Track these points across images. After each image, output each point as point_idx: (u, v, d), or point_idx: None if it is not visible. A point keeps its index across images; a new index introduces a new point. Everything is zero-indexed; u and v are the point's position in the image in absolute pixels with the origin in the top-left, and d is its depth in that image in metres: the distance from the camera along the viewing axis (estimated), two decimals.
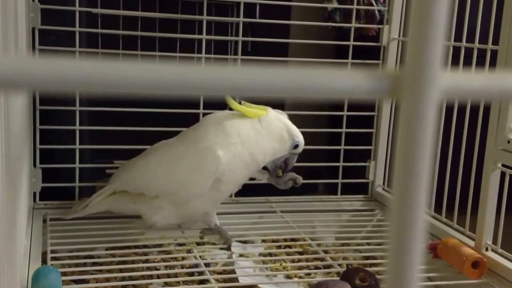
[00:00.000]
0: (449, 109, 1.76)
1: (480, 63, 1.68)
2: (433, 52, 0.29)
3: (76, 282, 1.48)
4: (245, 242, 1.83)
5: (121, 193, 1.70)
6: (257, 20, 2.25)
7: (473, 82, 0.31)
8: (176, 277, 1.57)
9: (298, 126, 1.87)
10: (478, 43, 1.70)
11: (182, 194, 1.65)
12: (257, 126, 1.66)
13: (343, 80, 0.31)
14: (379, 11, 2.11)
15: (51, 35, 1.81)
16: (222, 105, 1.75)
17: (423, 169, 0.30)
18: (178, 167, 1.64)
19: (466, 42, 1.75)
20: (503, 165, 1.58)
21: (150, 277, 1.57)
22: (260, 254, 1.76)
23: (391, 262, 0.34)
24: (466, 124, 1.73)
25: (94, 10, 2.08)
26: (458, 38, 1.75)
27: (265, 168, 1.76)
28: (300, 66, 0.31)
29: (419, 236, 0.32)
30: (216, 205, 1.75)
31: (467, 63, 1.74)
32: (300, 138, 1.71)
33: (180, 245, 1.76)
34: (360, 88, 0.30)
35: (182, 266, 1.65)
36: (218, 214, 1.77)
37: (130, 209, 1.71)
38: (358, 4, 2.10)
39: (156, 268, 1.60)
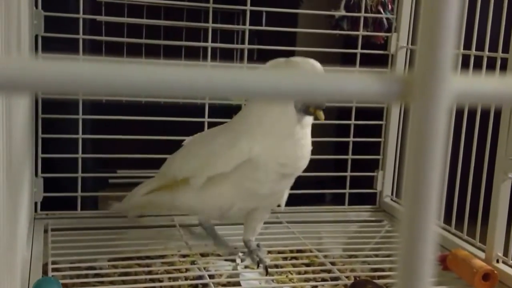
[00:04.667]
0: (459, 118, 1.75)
1: (490, 71, 1.68)
2: (444, 54, 0.29)
3: None
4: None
5: (161, 190, 1.68)
6: (264, 27, 2.25)
7: (484, 86, 0.31)
8: None
9: None
10: (488, 51, 1.69)
11: (208, 171, 1.55)
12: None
13: (352, 83, 0.30)
14: (387, 19, 2.11)
15: (54, 42, 1.80)
16: (228, 113, 1.74)
17: (435, 169, 0.29)
18: (213, 142, 1.57)
19: (476, 50, 1.74)
20: None
21: None
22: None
23: (401, 274, 0.33)
24: (475, 134, 1.72)
25: (98, 18, 2.08)
26: (467, 46, 1.74)
27: None
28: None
29: (430, 244, 0.31)
30: (248, 205, 1.61)
31: (477, 72, 1.73)
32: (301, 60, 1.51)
33: (184, 256, 1.75)
34: (370, 92, 0.30)
35: (186, 278, 1.65)
36: (222, 224, 1.76)
37: (167, 203, 1.67)
38: (366, 12, 2.09)
39: (159, 280, 1.60)
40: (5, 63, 0.28)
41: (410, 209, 0.31)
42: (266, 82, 0.28)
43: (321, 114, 1.48)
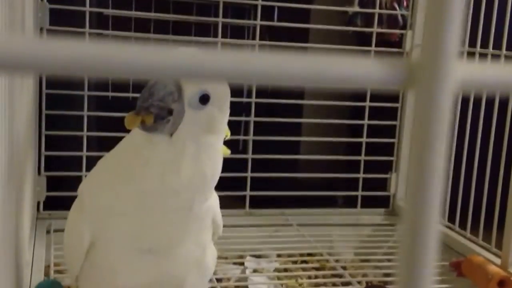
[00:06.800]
0: (474, 121, 1.76)
1: None
2: (450, 40, 0.29)
3: None
4: (259, 256, 1.82)
5: None
6: (275, 23, 2.25)
7: (490, 73, 0.31)
8: None
9: (317, 135, 1.85)
10: (492, 49, 1.70)
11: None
12: None
13: (353, 68, 0.30)
14: (402, 15, 2.11)
15: (59, 35, 1.81)
16: (239, 112, 1.74)
17: (439, 155, 0.29)
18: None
19: (480, 47, 1.75)
20: None
21: None
22: (275, 270, 1.76)
23: (402, 278, 0.33)
24: (492, 137, 1.72)
25: (105, 11, 2.08)
26: (472, 43, 1.77)
27: None
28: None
29: (433, 233, 0.31)
30: None
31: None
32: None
33: None
34: (372, 77, 0.30)
35: None
36: (229, 226, 1.75)
37: None
38: (380, 8, 2.09)
39: None
40: (9, 41, 0.28)
41: (414, 197, 0.31)
42: (267, 66, 0.29)
43: (132, 120, 0.98)
